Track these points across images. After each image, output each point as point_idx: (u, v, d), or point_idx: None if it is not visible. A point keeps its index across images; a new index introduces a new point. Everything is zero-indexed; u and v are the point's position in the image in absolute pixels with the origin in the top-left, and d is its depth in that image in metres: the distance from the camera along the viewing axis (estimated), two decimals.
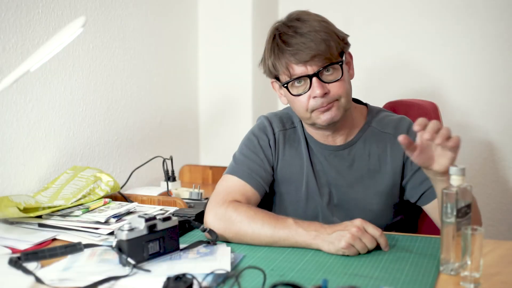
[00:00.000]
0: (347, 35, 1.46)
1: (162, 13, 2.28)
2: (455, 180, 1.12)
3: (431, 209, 1.45)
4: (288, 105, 1.53)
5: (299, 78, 1.40)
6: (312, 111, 1.42)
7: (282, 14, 2.57)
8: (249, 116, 2.50)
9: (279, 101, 2.62)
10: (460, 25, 2.35)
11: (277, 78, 1.46)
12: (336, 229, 1.26)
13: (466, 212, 1.13)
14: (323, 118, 1.42)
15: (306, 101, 1.41)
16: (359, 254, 1.24)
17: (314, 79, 1.39)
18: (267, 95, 2.60)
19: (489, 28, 2.30)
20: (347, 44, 1.47)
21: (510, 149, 2.34)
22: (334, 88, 1.41)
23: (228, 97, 2.53)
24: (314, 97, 1.40)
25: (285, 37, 1.40)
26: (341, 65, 1.41)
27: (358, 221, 1.25)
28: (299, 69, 1.39)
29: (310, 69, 1.39)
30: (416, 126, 1.15)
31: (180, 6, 2.40)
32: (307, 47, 1.37)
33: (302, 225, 1.29)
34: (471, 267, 1.06)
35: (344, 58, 1.44)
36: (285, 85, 1.42)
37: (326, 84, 1.40)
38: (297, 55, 1.38)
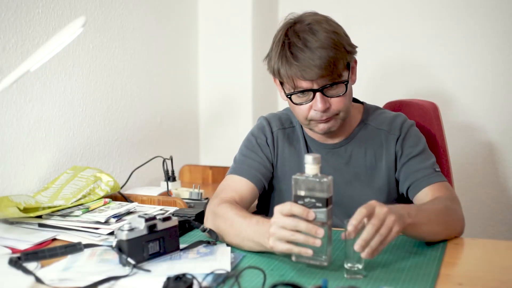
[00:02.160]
0: (356, 46, 1.44)
1: (162, 13, 2.27)
2: (309, 169, 1.11)
3: (417, 202, 1.44)
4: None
5: (303, 91, 1.40)
6: (311, 120, 1.43)
7: (282, 14, 2.57)
8: (249, 116, 2.50)
9: (280, 101, 2.64)
10: (460, 25, 2.35)
11: (280, 81, 1.45)
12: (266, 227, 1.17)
13: (313, 204, 1.10)
14: (321, 127, 1.44)
15: (307, 110, 1.42)
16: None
17: (318, 93, 1.39)
18: (267, 95, 2.60)
19: (489, 28, 2.30)
20: (354, 54, 1.44)
21: (510, 149, 2.34)
22: (336, 103, 1.41)
23: (228, 97, 2.53)
24: (316, 110, 1.40)
25: (293, 49, 1.37)
26: (346, 84, 1.41)
27: (274, 215, 1.13)
28: (304, 84, 1.38)
29: (316, 85, 1.38)
30: (357, 247, 1.08)
31: (180, 6, 2.40)
32: (315, 65, 1.34)
33: (262, 224, 1.21)
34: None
35: (349, 74, 1.42)
36: (289, 96, 1.42)
37: (329, 98, 1.40)
38: (304, 72, 1.35)
